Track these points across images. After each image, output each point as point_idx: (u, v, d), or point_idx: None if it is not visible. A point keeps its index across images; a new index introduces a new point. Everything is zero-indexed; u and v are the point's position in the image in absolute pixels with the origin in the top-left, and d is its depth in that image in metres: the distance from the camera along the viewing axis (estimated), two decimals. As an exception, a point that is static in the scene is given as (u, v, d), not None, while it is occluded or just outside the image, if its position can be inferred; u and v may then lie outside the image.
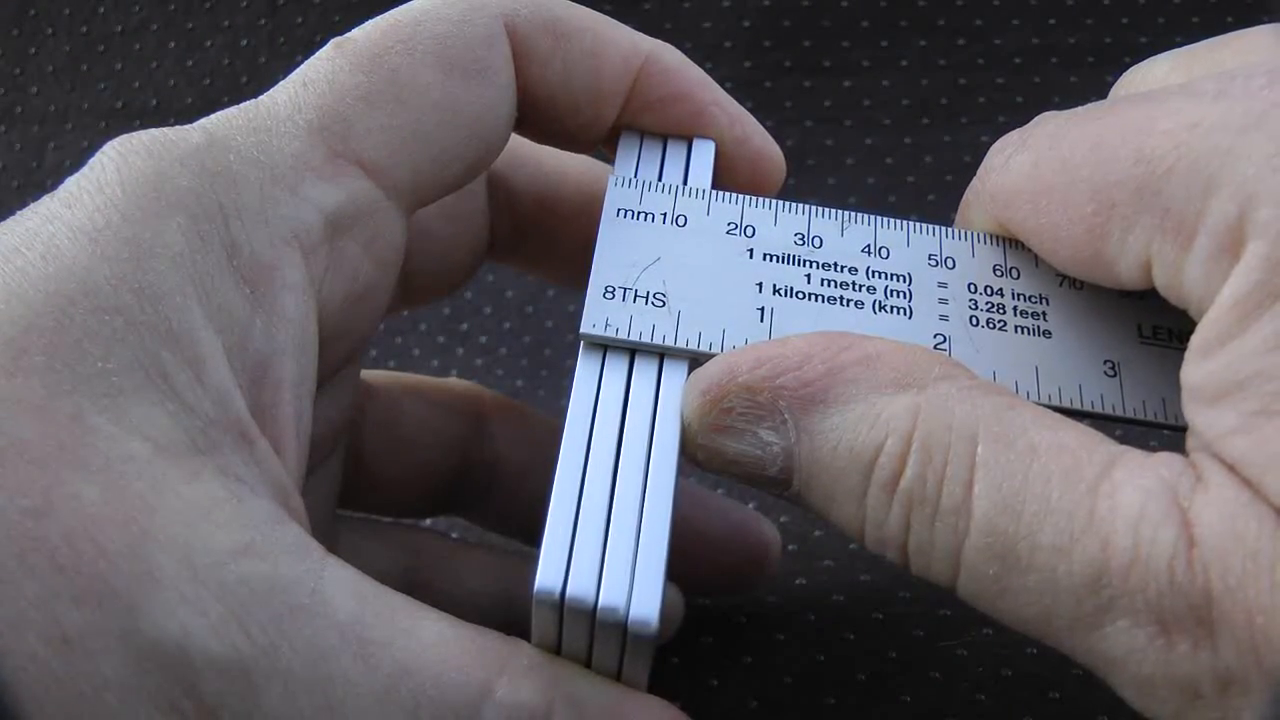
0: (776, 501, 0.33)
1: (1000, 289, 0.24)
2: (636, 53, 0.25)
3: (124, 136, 0.22)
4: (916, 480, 0.20)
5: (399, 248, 0.24)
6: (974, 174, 0.24)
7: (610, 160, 0.27)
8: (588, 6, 0.25)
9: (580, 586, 0.20)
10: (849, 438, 0.21)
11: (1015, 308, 0.24)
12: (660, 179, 0.26)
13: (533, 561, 0.21)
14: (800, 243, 0.24)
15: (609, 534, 0.21)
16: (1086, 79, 0.44)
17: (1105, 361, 0.23)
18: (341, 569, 0.21)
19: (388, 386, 0.30)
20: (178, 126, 0.23)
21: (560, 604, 0.21)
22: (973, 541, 0.20)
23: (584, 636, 0.21)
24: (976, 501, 0.20)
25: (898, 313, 0.23)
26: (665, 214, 0.25)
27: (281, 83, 0.24)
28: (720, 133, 0.26)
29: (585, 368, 0.23)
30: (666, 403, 0.23)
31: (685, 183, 0.25)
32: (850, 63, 0.45)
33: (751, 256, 0.24)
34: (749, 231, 0.24)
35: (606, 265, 0.24)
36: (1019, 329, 0.23)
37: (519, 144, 0.28)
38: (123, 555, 0.19)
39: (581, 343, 0.23)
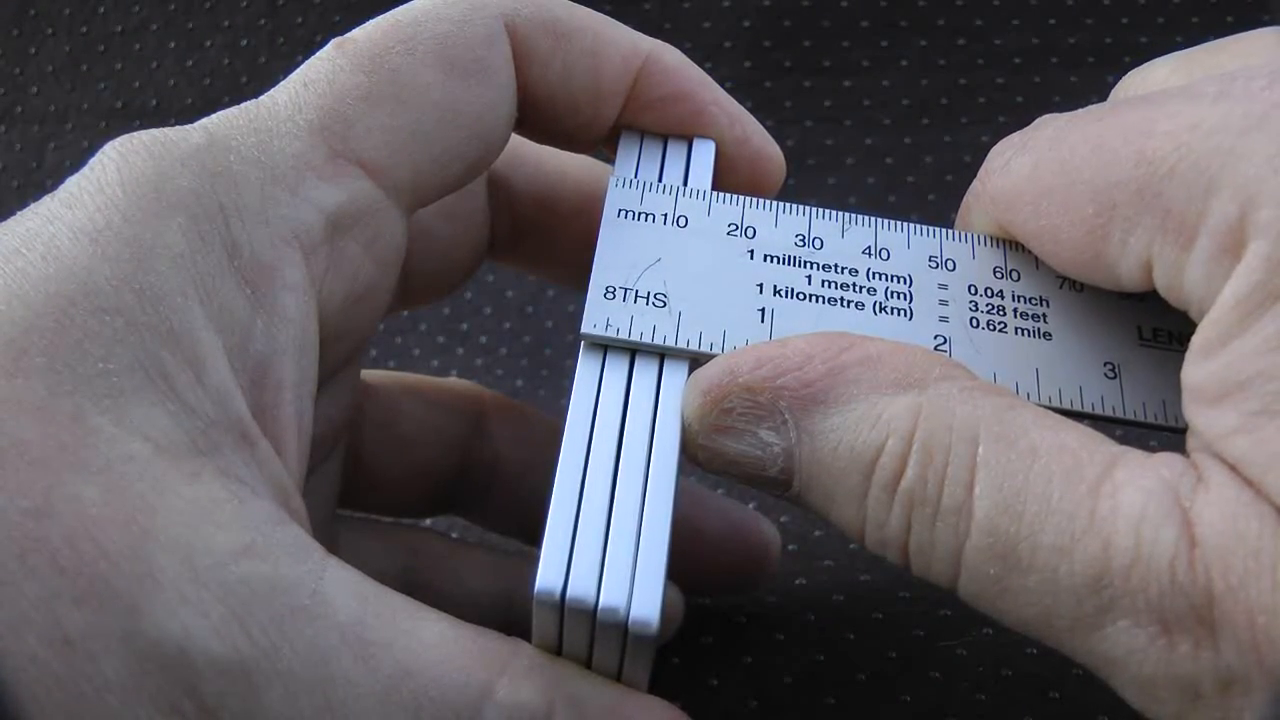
0: (776, 501, 0.33)
1: (1000, 291, 0.24)
2: (636, 52, 0.25)
3: (124, 137, 0.22)
4: (917, 481, 0.20)
5: (399, 248, 0.24)
6: (974, 174, 0.24)
7: (610, 160, 0.27)
8: (588, 7, 0.25)
9: (581, 587, 0.20)
10: (849, 438, 0.21)
11: (1015, 309, 0.24)
12: (660, 179, 0.26)
13: (533, 562, 0.21)
14: (801, 244, 0.24)
15: (609, 534, 0.21)
16: (1086, 79, 0.44)
17: (1105, 363, 0.23)
18: (342, 570, 0.21)
19: (388, 386, 0.30)
20: (178, 126, 0.23)
21: (561, 604, 0.21)
22: (974, 542, 0.20)
23: (584, 637, 0.21)
24: (977, 502, 0.20)
25: (898, 314, 0.23)
26: (666, 215, 0.25)
27: (282, 83, 0.24)
28: (720, 132, 0.26)
29: (585, 368, 0.23)
30: (667, 403, 0.23)
31: (685, 183, 0.25)
32: (850, 63, 0.45)
33: (752, 257, 0.24)
34: (750, 233, 0.24)
35: (607, 266, 0.24)
36: (1019, 330, 0.23)
37: (519, 144, 0.28)
38: (124, 556, 0.19)
39: (582, 343, 0.23)
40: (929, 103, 0.44)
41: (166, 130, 0.23)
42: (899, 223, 0.25)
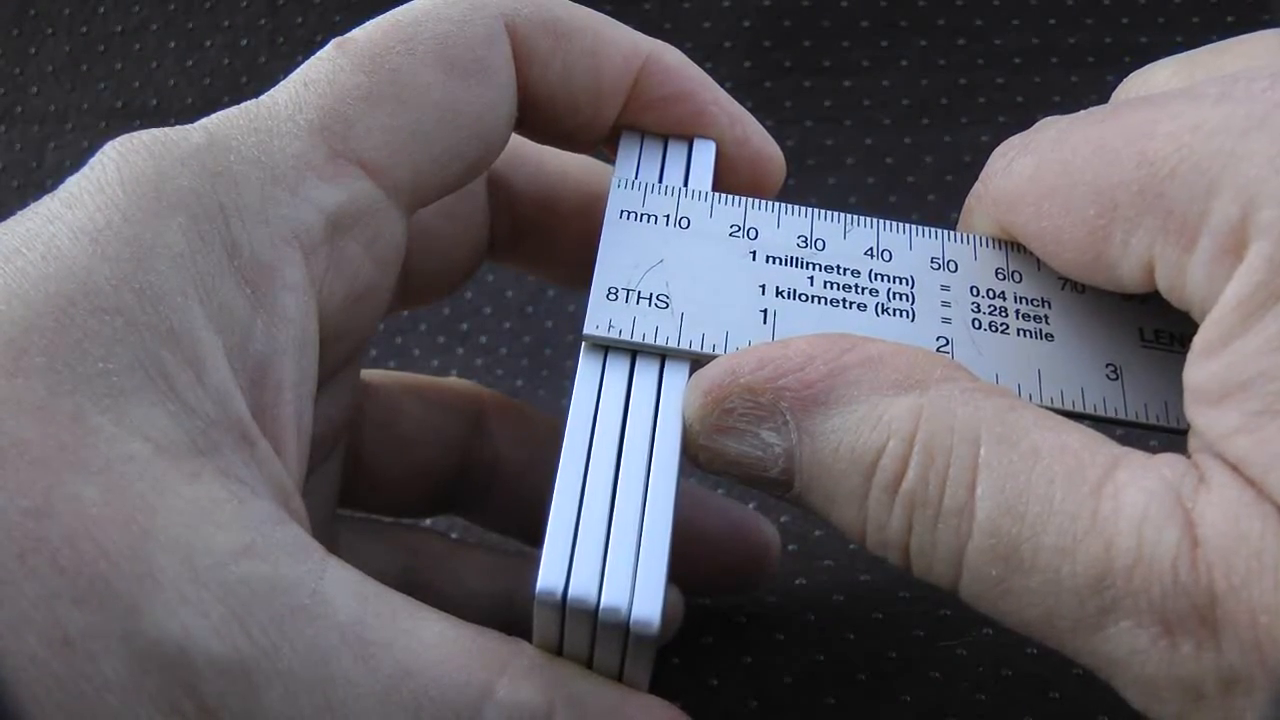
0: (777, 501, 0.33)
1: (1002, 292, 0.24)
2: (637, 52, 0.25)
3: (124, 136, 0.22)
4: (918, 482, 0.20)
5: (399, 247, 0.24)
6: (974, 174, 0.24)
7: (611, 160, 0.27)
8: (588, 6, 0.25)
9: (582, 587, 0.20)
10: (850, 439, 0.21)
11: (1017, 310, 0.24)
12: (661, 180, 0.26)
13: (534, 562, 0.21)
14: (803, 245, 0.24)
15: (610, 535, 0.21)
16: (1086, 79, 0.44)
17: (1107, 365, 0.23)
18: (342, 569, 0.21)
19: (388, 386, 0.30)
20: (178, 126, 0.23)
21: (562, 605, 0.21)
22: (975, 543, 0.20)
23: (585, 637, 0.21)
24: (979, 503, 0.20)
25: (900, 315, 0.24)
26: (668, 216, 0.25)
27: (282, 82, 0.24)
28: (720, 133, 0.26)
29: (586, 369, 0.23)
30: (668, 404, 0.23)
31: (686, 183, 0.25)
32: (850, 63, 0.45)
33: (754, 259, 0.24)
34: (752, 234, 0.24)
35: (609, 267, 0.24)
36: (1021, 332, 0.23)
37: (519, 144, 0.28)
38: (124, 556, 0.19)
39: (583, 344, 0.23)
40: (929, 103, 0.44)
41: (166, 130, 0.23)
42: (901, 224, 0.25)
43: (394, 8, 0.24)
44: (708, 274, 0.24)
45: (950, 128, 0.44)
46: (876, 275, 0.24)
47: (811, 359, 0.21)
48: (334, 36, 0.24)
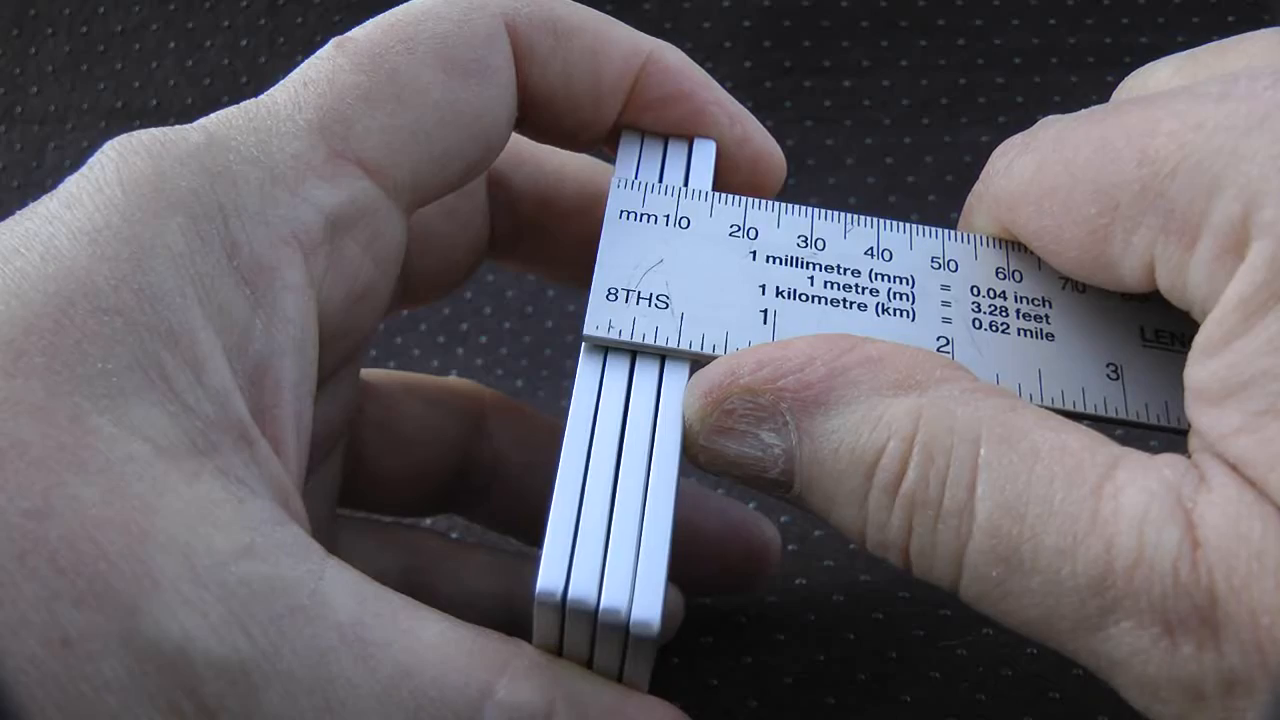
0: (776, 501, 0.33)
1: (1003, 292, 0.24)
2: (637, 52, 0.25)
3: (124, 136, 0.22)
4: (919, 483, 0.20)
5: (399, 247, 0.24)
6: (974, 174, 0.24)
7: (610, 160, 0.27)
8: (588, 6, 0.25)
9: (582, 588, 0.20)
10: (850, 440, 0.21)
11: (1018, 310, 0.24)
12: (661, 179, 0.26)
13: (534, 562, 0.21)
14: (803, 245, 0.24)
15: (610, 535, 0.21)
16: (1087, 79, 0.44)
17: (1108, 364, 0.23)
18: (342, 570, 0.21)
19: (388, 386, 0.30)
20: (178, 126, 0.23)
21: (562, 605, 0.21)
22: (975, 544, 0.20)
23: (585, 638, 0.21)
24: (979, 504, 0.20)
25: (901, 315, 0.23)
26: (668, 216, 0.25)
27: (282, 82, 0.24)
28: (721, 132, 0.26)
29: (586, 369, 0.23)
30: (668, 404, 0.23)
31: (686, 183, 0.25)
32: (850, 63, 0.45)
33: (754, 259, 0.24)
34: (752, 234, 0.24)
35: (609, 267, 0.24)
36: (1022, 331, 0.23)
37: (519, 143, 0.28)
38: (123, 557, 0.19)
39: (583, 344, 0.23)
40: (929, 103, 0.44)
41: (166, 130, 0.22)
42: (901, 223, 0.25)
43: (394, 7, 0.24)
44: (708, 274, 0.24)
45: (950, 128, 0.44)
46: (877, 275, 0.24)
47: (811, 360, 0.21)
48: (334, 36, 0.24)
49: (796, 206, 0.25)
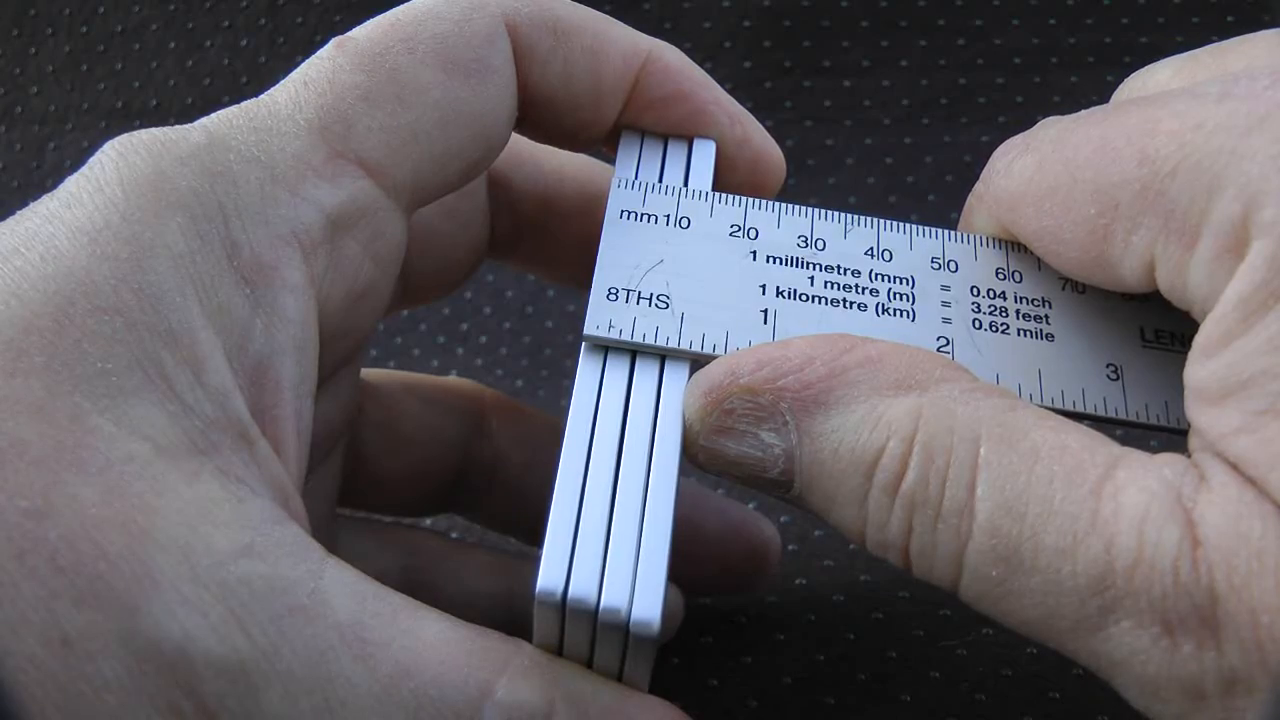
0: (777, 501, 0.33)
1: (1003, 292, 0.24)
2: (637, 51, 0.25)
3: (124, 136, 0.22)
4: (919, 483, 0.20)
5: (399, 247, 0.24)
6: (974, 174, 0.24)
7: (610, 160, 0.27)
8: (588, 6, 0.25)
9: (582, 587, 0.20)
10: (850, 440, 0.21)
11: (1018, 311, 0.24)
12: (661, 179, 0.26)
13: (534, 562, 0.21)
14: (803, 245, 0.24)
15: (610, 535, 0.21)
16: (1086, 79, 0.44)
17: (1108, 365, 0.23)
18: (341, 569, 0.21)
19: (388, 386, 0.30)
20: (178, 126, 0.23)
21: (562, 605, 0.21)
22: (976, 544, 0.20)
23: (586, 637, 0.21)
24: (979, 503, 0.20)
25: (901, 315, 0.24)
26: (669, 216, 0.25)
27: (282, 82, 0.24)
28: (721, 132, 0.26)
29: (586, 369, 0.23)
30: (668, 405, 0.23)
31: (686, 183, 0.25)
32: (850, 63, 0.45)
33: (755, 259, 0.24)
34: (752, 234, 0.24)
35: (610, 267, 0.24)
36: (1022, 332, 0.23)
37: (519, 143, 0.28)
38: (122, 556, 0.19)
39: (583, 344, 0.23)
40: (929, 103, 0.44)
41: (166, 130, 0.22)
42: (901, 224, 0.25)
43: (393, 7, 0.24)
44: (708, 274, 0.24)
45: (950, 128, 0.44)
46: (877, 275, 0.24)
47: (811, 360, 0.21)
48: (334, 36, 0.24)
49: (796, 206, 0.25)
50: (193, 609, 0.19)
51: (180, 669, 0.19)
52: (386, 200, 0.23)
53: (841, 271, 0.24)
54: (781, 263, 0.24)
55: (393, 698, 0.20)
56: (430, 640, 0.21)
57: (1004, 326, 0.24)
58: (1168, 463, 0.19)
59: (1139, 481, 0.19)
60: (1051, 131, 0.23)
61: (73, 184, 0.22)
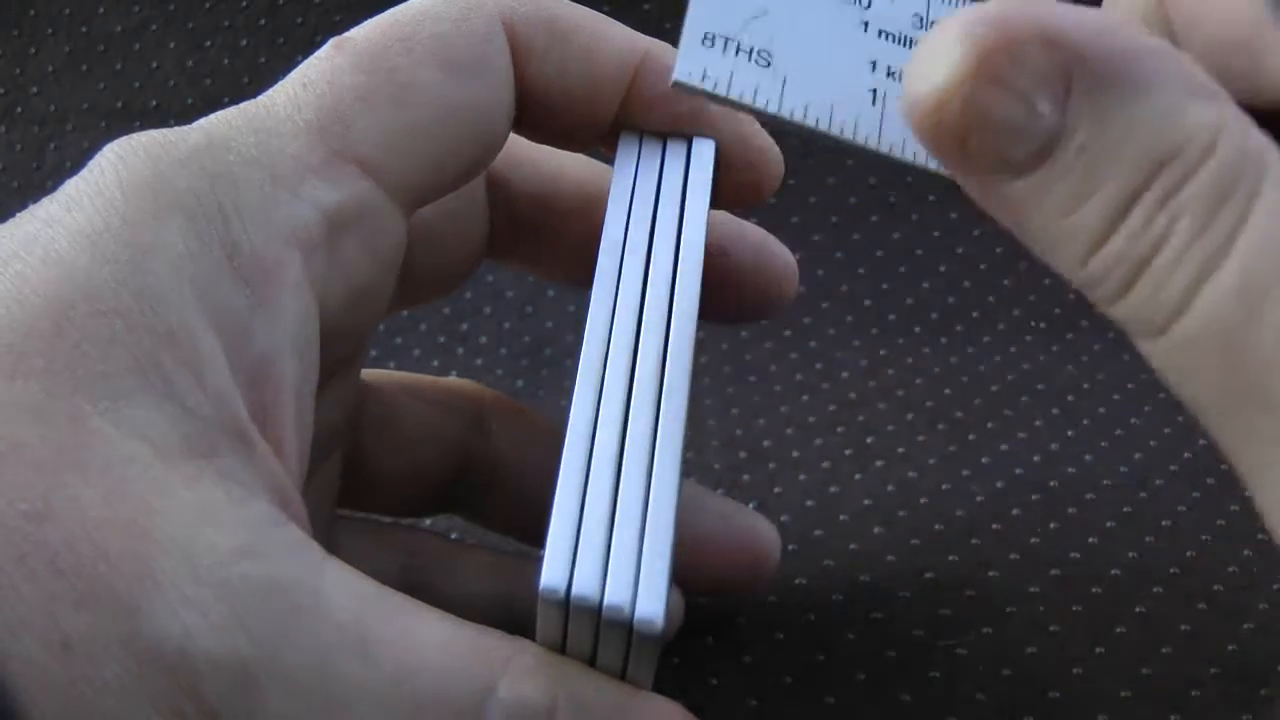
0: (776, 503, 0.33)
1: None
2: (634, 50, 0.25)
3: (124, 139, 0.22)
4: (1195, 197, 0.17)
5: (399, 247, 0.24)
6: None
7: (608, 160, 0.27)
8: (587, 7, 0.25)
9: (585, 585, 0.20)
10: (1146, 130, 0.18)
11: None
12: (660, 179, 0.25)
13: (535, 561, 0.21)
14: (918, 25, 0.22)
15: (613, 533, 0.21)
16: None
17: None
18: (342, 570, 0.21)
19: (387, 386, 0.30)
20: (177, 127, 0.23)
21: (565, 603, 0.20)
22: (1223, 278, 0.17)
23: (589, 635, 0.21)
24: (1245, 235, 0.17)
25: None
26: None
27: (281, 83, 0.24)
28: (719, 130, 0.26)
29: (595, 322, 0.23)
30: (668, 417, 0.22)
31: (685, 183, 0.25)
32: (850, 62, 0.44)
33: (866, 30, 0.21)
34: (865, 2, 0.22)
35: (707, 7, 0.21)
36: None
37: (517, 144, 0.28)
38: (123, 558, 0.19)
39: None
40: (929, 102, 0.44)
41: (165, 131, 0.22)
42: None
43: (392, 6, 0.24)
44: (816, 38, 0.21)
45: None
46: None
47: (1113, 31, 0.18)
48: (334, 36, 0.24)
49: None
50: (194, 609, 0.19)
51: (182, 670, 0.19)
52: (386, 200, 0.23)
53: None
54: (894, 40, 0.21)
55: (396, 697, 0.20)
56: (432, 639, 0.20)
57: None
58: None
59: None
60: None
61: (72, 187, 0.22)
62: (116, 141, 0.22)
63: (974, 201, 0.23)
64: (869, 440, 0.35)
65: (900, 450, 0.35)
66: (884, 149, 0.21)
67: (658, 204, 0.24)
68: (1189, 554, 0.30)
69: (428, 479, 0.30)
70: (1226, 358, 0.17)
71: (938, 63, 0.18)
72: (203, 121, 0.23)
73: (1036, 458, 0.34)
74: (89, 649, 0.18)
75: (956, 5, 0.22)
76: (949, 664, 0.28)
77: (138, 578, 0.19)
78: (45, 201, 0.22)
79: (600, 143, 0.27)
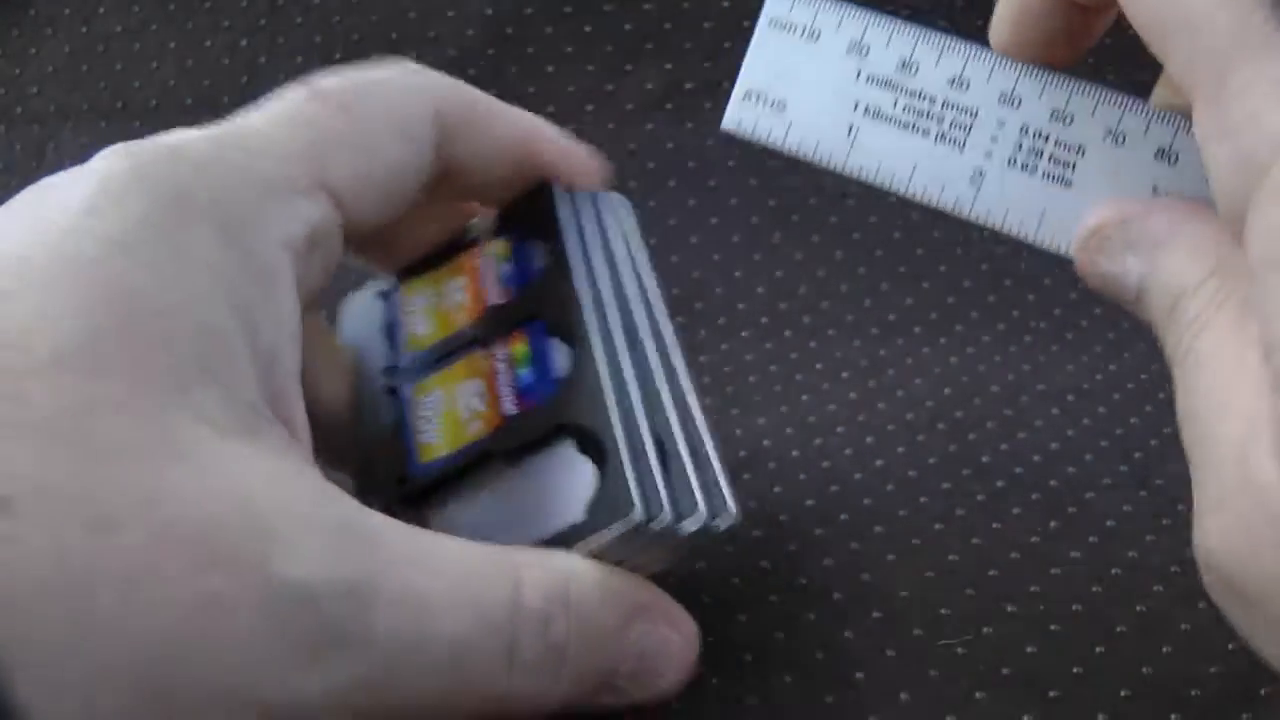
0: (776, 503, 0.33)
1: (1048, 135, 0.26)
2: (528, 130, 0.30)
3: (128, 146, 0.25)
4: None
5: (333, 269, 0.28)
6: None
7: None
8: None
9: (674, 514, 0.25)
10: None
11: (1051, 155, 0.26)
12: (605, 239, 0.30)
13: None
14: (900, 69, 0.27)
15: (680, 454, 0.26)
16: (1086, 79, 0.44)
17: None
18: (374, 512, 0.24)
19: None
20: (175, 138, 0.26)
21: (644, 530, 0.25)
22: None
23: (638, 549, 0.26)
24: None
25: (952, 144, 0.27)
26: (804, 27, 0.28)
27: (254, 113, 0.27)
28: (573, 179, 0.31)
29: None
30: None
31: (626, 243, 0.31)
32: (850, 63, 0.45)
33: (858, 78, 0.27)
34: (864, 51, 0.27)
35: (751, 71, 0.28)
36: (1045, 175, 0.26)
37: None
38: (236, 521, 0.22)
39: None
40: (929, 102, 0.44)
41: (168, 140, 0.25)
42: (989, 55, 0.27)
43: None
44: (820, 88, 0.27)
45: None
46: (947, 104, 0.27)
47: (1159, 211, 0.25)
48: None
49: (910, 26, 0.27)
50: (306, 552, 0.22)
51: (309, 604, 0.22)
52: (340, 228, 0.27)
53: (921, 98, 0.27)
54: (877, 84, 0.27)
55: (458, 601, 0.23)
56: (458, 553, 0.24)
57: (1033, 167, 0.26)
58: None
59: None
60: None
61: (82, 191, 0.24)
62: (121, 148, 0.25)
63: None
64: (869, 440, 0.35)
65: (900, 450, 0.35)
66: (851, 173, 0.27)
67: (613, 262, 0.30)
68: (1189, 553, 0.31)
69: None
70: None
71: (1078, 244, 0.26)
72: (194, 136, 0.26)
73: (1037, 458, 0.34)
74: (229, 602, 0.21)
75: (936, 45, 0.27)
76: (949, 663, 0.28)
77: (257, 534, 0.22)
78: (52, 206, 0.24)
79: (495, 203, 0.32)
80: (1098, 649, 0.28)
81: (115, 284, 0.23)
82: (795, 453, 0.35)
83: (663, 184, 0.43)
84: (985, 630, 0.29)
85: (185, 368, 0.23)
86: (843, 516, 0.33)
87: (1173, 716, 0.27)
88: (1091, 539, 0.31)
